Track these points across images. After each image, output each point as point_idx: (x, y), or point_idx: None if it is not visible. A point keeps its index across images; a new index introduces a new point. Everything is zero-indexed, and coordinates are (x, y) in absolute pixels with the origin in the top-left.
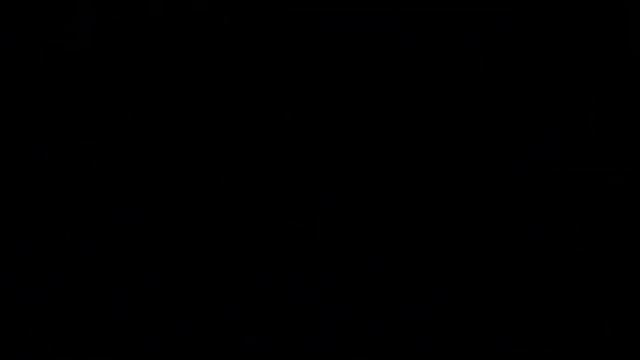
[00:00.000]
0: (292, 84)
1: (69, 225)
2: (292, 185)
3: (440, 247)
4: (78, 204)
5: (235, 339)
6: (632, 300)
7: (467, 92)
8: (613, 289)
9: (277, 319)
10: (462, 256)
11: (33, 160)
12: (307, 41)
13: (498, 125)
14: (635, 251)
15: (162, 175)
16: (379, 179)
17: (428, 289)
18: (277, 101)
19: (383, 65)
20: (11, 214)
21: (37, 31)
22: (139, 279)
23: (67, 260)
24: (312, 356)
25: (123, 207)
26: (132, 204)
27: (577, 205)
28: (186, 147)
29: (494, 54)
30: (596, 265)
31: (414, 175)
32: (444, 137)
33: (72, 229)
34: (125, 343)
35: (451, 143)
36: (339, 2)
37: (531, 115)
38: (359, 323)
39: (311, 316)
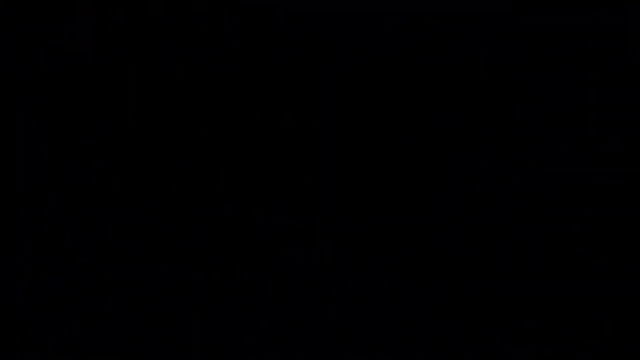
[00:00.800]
0: (292, 84)
1: (69, 225)
2: (292, 185)
3: (440, 247)
4: (78, 204)
5: (235, 339)
6: (632, 300)
7: (467, 92)
8: (613, 289)
9: (277, 319)
10: (462, 256)
11: (33, 160)
12: (307, 41)
13: (498, 125)
14: (635, 251)
15: (162, 175)
16: (379, 179)
17: (428, 289)
18: (277, 101)
19: (383, 65)
20: (11, 214)
21: (37, 31)
22: (139, 279)
23: (67, 260)
24: (312, 356)
25: (123, 207)
26: (132, 204)
27: (577, 205)
28: (186, 147)
29: (494, 54)
30: (596, 265)
31: (414, 175)
32: (444, 137)
33: (72, 229)
34: (125, 343)
35: (451, 143)
36: (339, 2)
37: (531, 115)
38: (359, 323)
39: (311, 316)
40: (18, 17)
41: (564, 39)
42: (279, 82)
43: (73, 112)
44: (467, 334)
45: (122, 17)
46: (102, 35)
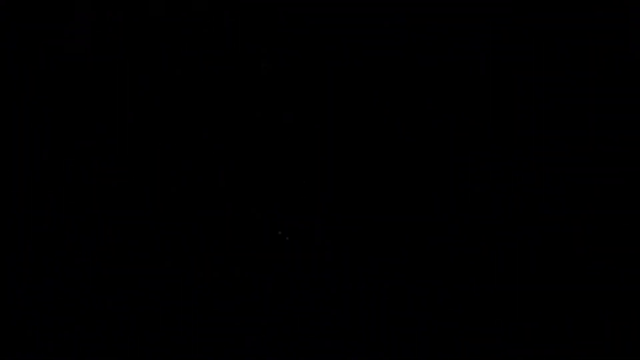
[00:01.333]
0: (292, 84)
1: (69, 225)
2: (292, 185)
3: (440, 247)
4: (78, 204)
5: (235, 339)
6: (632, 300)
7: (467, 92)
8: (613, 289)
9: (277, 319)
10: (462, 256)
11: (33, 160)
12: (307, 41)
13: (498, 125)
14: (635, 251)
15: (162, 175)
16: (378, 179)
17: (428, 289)
18: (277, 101)
19: (383, 65)
20: (11, 214)
21: (37, 31)
22: (139, 279)
23: (67, 260)
24: (312, 356)
25: (123, 207)
26: (132, 204)
27: (577, 205)
28: (186, 147)
29: (494, 54)
30: (596, 265)
31: (414, 175)
32: (444, 137)
33: (72, 229)
34: (125, 343)
35: (451, 143)
36: (339, 2)
37: (531, 115)
38: (359, 323)
39: (311, 316)
40: (18, 17)
41: (564, 39)
42: (279, 82)
43: (73, 112)
44: (467, 334)
45: (122, 17)
46: (102, 35)
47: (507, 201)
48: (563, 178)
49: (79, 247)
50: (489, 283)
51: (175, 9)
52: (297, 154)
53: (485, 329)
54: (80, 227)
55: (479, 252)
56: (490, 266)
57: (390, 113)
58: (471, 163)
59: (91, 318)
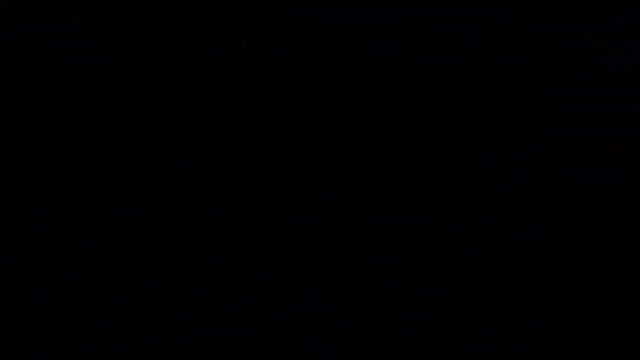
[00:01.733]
0: (292, 84)
1: (69, 225)
2: (292, 185)
3: (440, 247)
4: (78, 204)
5: (235, 339)
6: (632, 300)
7: (467, 92)
8: (613, 289)
9: (277, 319)
10: (462, 256)
11: (33, 160)
12: (307, 41)
13: (498, 125)
14: (635, 251)
15: (162, 175)
16: (379, 179)
17: (428, 289)
18: (277, 101)
19: (383, 65)
20: (11, 214)
21: (37, 31)
22: (139, 279)
23: (67, 260)
24: (312, 356)
25: (123, 207)
26: (132, 204)
27: (577, 205)
28: (186, 147)
29: (494, 54)
30: (596, 265)
31: (414, 175)
32: (444, 137)
33: (72, 229)
34: (125, 343)
35: (451, 143)
36: (339, 2)
37: (531, 115)
38: (359, 323)
39: (311, 316)
40: (18, 17)
41: (564, 39)
42: (279, 82)
43: (73, 112)
44: (467, 334)
45: (122, 17)
46: (102, 35)
47: (507, 201)
48: (563, 178)
49: (79, 247)
50: (489, 283)
51: (175, 9)
52: (297, 154)
53: (485, 329)
54: (80, 227)
55: (479, 252)
56: (490, 266)
57: (390, 113)
58: (471, 163)
59: (91, 318)
